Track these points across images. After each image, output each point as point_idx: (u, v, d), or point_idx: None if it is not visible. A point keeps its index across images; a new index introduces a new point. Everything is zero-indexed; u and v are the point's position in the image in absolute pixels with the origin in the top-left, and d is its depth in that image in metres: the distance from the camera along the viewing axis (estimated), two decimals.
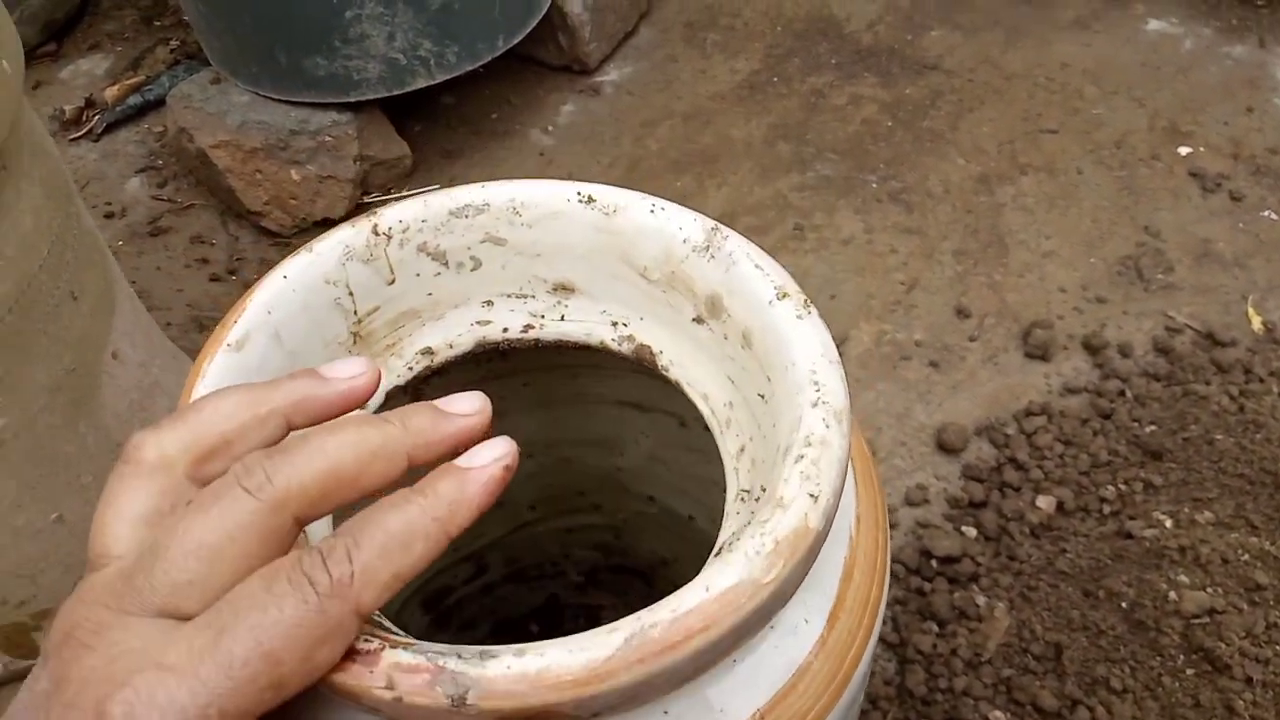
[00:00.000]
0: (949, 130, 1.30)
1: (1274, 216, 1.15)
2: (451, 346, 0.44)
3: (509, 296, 0.44)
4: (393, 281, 0.42)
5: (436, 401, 0.31)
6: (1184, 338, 1.02)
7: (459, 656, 0.28)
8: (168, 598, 0.26)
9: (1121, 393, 0.96)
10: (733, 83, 1.40)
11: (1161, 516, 0.81)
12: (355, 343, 0.42)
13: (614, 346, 0.43)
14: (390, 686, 0.28)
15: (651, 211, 0.41)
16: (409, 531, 0.27)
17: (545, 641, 0.29)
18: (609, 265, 0.42)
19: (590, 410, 0.58)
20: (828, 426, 0.34)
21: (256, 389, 0.31)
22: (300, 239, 1.21)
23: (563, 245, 0.43)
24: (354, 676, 0.28)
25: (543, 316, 0.44)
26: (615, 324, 0.44)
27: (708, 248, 0.40)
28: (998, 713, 0.72)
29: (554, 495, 0.64)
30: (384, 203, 1.23)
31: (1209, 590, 0.75)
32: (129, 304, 0.86)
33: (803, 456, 0.33)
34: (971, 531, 0.85)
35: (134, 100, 1.39)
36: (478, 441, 0.30)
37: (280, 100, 1.19)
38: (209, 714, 0.24)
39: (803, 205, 1.20)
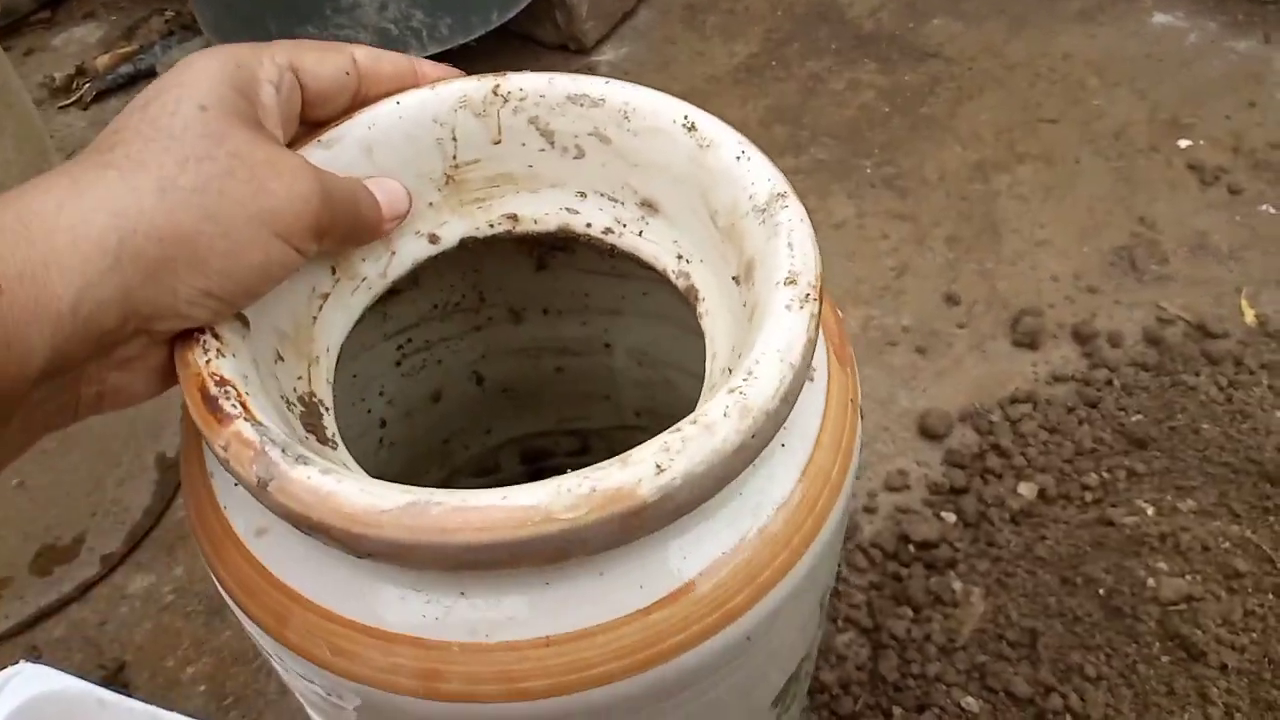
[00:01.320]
0: (947, 118, 1.29)
1: (1272, 210, 1.14)
2: (536, 222, 0.46)
3: (601, 195, 0.46)
4: (498, 142, 0.44)
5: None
6: (1175, 329, 1.01)
7: (284, 451, 0.32)
8: None
9: (1109, 382, 0.94)
10: (730, 65, 1.38)
11: (1143, 504, 0.80)
12: (447, 184, 0.45)
13: (672, 278, 0.44)
14: (225, 447, 0.32)
15: (738, 157, 0.40)
16: None
17: (370, 480, 0.32)
18: (690, 199, 0.43)
19: (680, 332, 0.58)
20: (725, 414, 0.33)
21: None
22: None
23: (658, 164, 0.43)
24: (209, 428, 0.33)
25: (625, 225, 0.45)
26: (680, 257, 0.44)
27: (764, 211, 0.39)
28: (970, 699, 0.71)
29: (657, 410, 0.66)
30: None
31: (1188, 577, 0.74)
32: None
33: (678, 430, 0.33)
34: (951, 517, 0.84)
35: (125, 69, 1.38)
36: None
37: None
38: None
39: (795, 188, 1.19)
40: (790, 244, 0.38)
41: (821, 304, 0.37)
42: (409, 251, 0.46)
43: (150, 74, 1.37)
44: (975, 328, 1.04)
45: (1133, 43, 1.37)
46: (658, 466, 0.32)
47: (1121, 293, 1.06)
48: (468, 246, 0.47)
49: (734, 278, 0.41)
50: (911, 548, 0.82)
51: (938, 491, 0.87)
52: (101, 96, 1.37)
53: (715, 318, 0.43)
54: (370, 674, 0.35)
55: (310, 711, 0.43)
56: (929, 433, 0.92)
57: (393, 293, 0.54)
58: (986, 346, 1.01)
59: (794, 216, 0.39)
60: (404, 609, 0.35)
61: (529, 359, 0.65)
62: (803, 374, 0.35)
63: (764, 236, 0.39)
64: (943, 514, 0.85)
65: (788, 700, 0.49)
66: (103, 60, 1.39)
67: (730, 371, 0.40)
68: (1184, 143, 1.23)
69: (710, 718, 0.41)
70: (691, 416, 0.33)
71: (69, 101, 1.36)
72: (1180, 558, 0.75)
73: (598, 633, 0.35)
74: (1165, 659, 0.70)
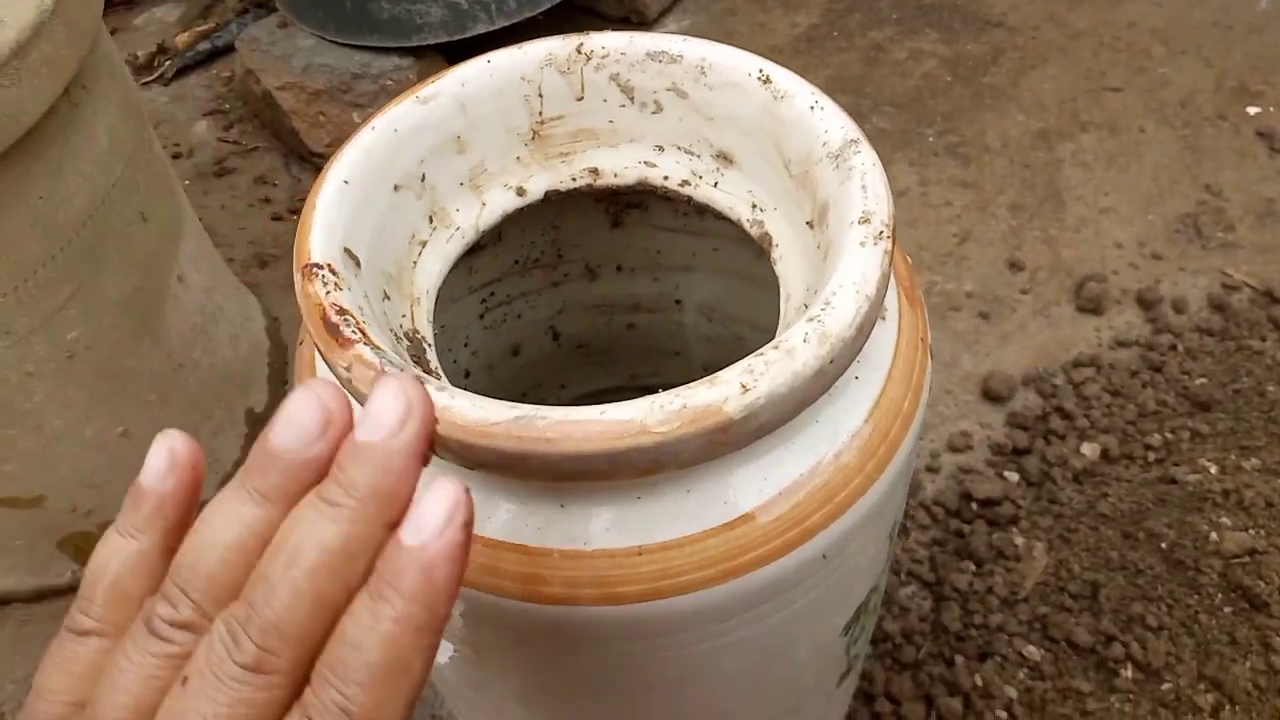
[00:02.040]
0: (1010, 86, 1.29)
1: None
2: (616, 175, 0.48)
3: (678, 149, 0.48)
4: (581, 99, 0.47)
5: (356, 417, 0.26)
6: (1241, 295, 1.00)
7: (401, 370, 0.34)
8: None
9: (1173, 346, 0.94)
10: (791, 36, 1.39)
11: (1206, 463, 0.81)
12: (533, 139, 0.48)
13: (746, 226, 0.46)
14: (348, 368, 0.34)
15: (811, 108, 0.42)
16: (399, 656, 0.23)
17: (480, 397, 0.34)
18: (764, 149, 0.44)
19: (750, 287, 0.61)
20: (805, 340, 0.34)
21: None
22: None
23: (733, 117, 0.45)
24: (331, 351, 0.35)
25: (701, 178, 0.47)
26: (754, 206, 0.46)
27: (838, 157, 0.41)
28: (1032, 648, 0.73)
29: (724, 366, 0.69)
30: None
31: (1251, 531, 0.74)
32: (195, 233, 0.90)
33: (761, 355, 0.34)
34: (1014, 476, 0.85)
35: (203, 46, 1.42)
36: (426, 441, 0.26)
37: (344, 44, 1.21)
38: None
39: None
40: (864, 186, 0.40)
41: (894, 243, 0.39)
42: (498, 203, 0.49)
43: (228, 49, 1.41)
44: (1039, 293, 1.04)
45: (1199, 10, 1.36)
46: (743, 386, 0.34)
47: (1186, 260, 1.06)
48: (551, 199, 0.50)
49: (808, 222, 0.43)
50: (974, 505, 0.83)
51: (1000, 452, 0.88)
52: (182, 73, 1.42)
53: (789, 262, 0.45)
54: (477, 578, 0.38)
55: None
56: (992, 395, 0.93)
57: (478, 248, 0.57)
58: (1050, 312, 1.02)
59: (866, 161, 0.40)
60: (509, 520, 0.37)
61: (603, 315, 0.68)
62: (877, 306, 0.37)
63: (837, 181, 0.41)
64: (1005, 473, 0.86)
65: (856, 631, 0.51)
66: (182, 38, 1.44)
67: (806, 307, 0.42)
68: (1253, 110, 1.22)
69: (787, 636, 0.43)
70: (774, 343, 0.36)
71: (151, 78, 1.41)
72: (1243, 513, 0.76)
73: (685, 544, 0.37)
74: (1227, 609, 0.71)
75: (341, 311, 0.37)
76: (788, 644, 0.44)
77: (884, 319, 0.43)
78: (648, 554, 0.37)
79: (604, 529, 0.37)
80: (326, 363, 0.37)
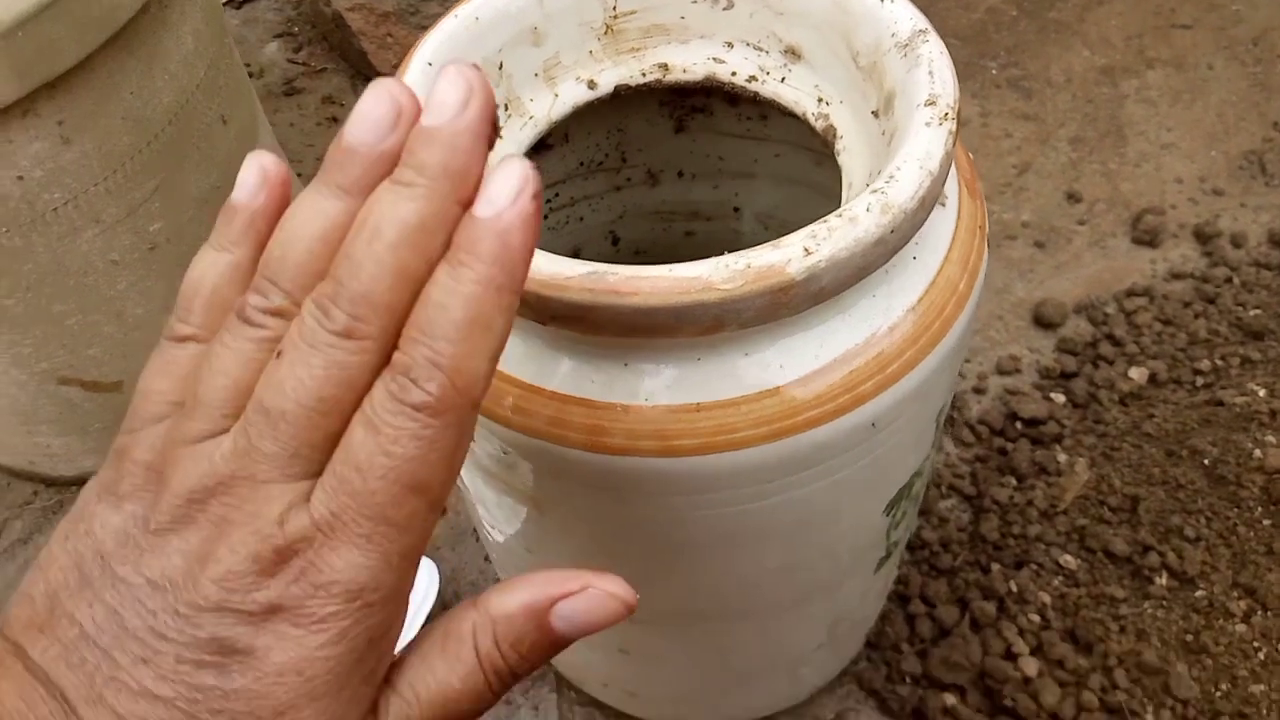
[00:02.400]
0: (1076, 22, 1.27)
1: None
2: (685, 71, 0.50)
3: (747, 45, 0.49)
4: None
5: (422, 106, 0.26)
6: None
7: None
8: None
9: (1229, 279, 0.94)
10: None
11: (1255, 387, 0.81)
12: (606, 33, 0.50)
13: (812, 120, 0.47)
14: None
15: (881, 0, 0.43)
16: (481, 312, 0.25)
17: (555, 255, 0.36)
18: (833, 42, 0.46)
19: (809, 194, 0.63)
20: (868, 210, 0.36)
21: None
22: None
23: (803, 11, 0.47)
24: None
25: (768, 74, 0.49)
26: (820, 100, 0.47)
27: (906, 46, 0.42)
28: (1069, 557, 0.74)
29: None
30: None
31: None
32: (269, 138, 0.93)
33: (824, 222, 0.36)
34: (1060, 398, 0.86)
35: None
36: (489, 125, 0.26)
37: None
38: (394, 563, 0.25)
39: None
40: (931, 72, 0.41)
41: (958, 128, 0.41)
42: (569, 95, 0.51)
43: None
44: (1095, 225, 1.04)
45: None
46: (805, 249, 0.36)
47: (1248, 196, 1.05)
48: (620, 95, 0.52)
49: (873, 112, 0.45)
50: (1019, 425, 0.85)
51: (1048, 375, 0.89)
52: None
53: (852, 153, 0.47)
54: (545, 429, 0.40)
55: (485, 493, 0.49)
56: (1043, 321, 0.94)
57: (546, 147, 0.59)
58: (1106, 243, 1.02)
59: (934, 50, 0.42)
60: (577, 375, 0.40)
61: (662, 222, 0.70)
62: (939, 182, 0.39)
63: (905, 69, 0.42)
64: (1052, 395, 0.87)
65: (897, 514, 0.54)
66: None
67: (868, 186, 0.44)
68: None
69: (831, 503, 0.46)
70: (837, 211, 0.37)
71: (223, 3, 1.44)
72: None
73: (741, 403, 0.40)
74: (1266, 522, 0.72)
75: None
76: (831, 511, 0.47)
77: (944, 205, 0.45)
78: (705, 411, 0.39)
79: (665, 386, 0.40)
80: None
